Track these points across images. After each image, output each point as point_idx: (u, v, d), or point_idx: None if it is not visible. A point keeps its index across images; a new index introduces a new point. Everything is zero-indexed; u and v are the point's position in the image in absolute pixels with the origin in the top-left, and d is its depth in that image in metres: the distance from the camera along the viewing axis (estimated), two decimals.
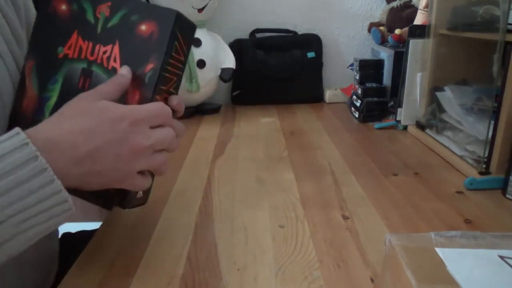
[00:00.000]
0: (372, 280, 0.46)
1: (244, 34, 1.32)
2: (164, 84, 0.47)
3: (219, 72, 1.17)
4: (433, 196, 0.66)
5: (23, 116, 0.49)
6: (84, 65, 0.47)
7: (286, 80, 1.27)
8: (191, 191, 0.69)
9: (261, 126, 1.07)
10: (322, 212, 0.61)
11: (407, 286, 0.32)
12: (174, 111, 0.48)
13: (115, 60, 0.46)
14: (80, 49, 0.47)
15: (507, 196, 0.65)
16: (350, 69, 1.25)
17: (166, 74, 0.46)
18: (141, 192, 0.50)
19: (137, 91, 0.46)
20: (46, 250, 0.58)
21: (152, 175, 0.48)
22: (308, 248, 0.52)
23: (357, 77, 1.14)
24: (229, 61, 1.19)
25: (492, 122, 0.68)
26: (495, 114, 0.67)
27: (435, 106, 0.91)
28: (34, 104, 0.49)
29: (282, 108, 1.23)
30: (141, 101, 0.45)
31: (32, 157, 0.34)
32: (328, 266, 0.48)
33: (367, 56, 1.30)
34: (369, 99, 1.09)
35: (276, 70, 1.25)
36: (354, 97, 1.15)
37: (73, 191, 0.40)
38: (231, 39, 1.29)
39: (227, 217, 0.60)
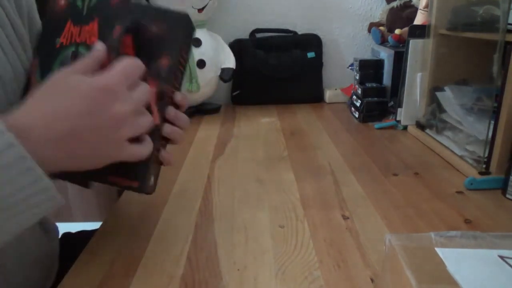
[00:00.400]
0: (372, 280, 0.46)
1: (244, 34, 1.32)
2: (175, 78, 0.49)
3: (219, 72, 1.17)
4: (433, 196, 0.66)
5: None
6: (73, 49, 0.48)
7: (286, 80, 1.27)
8: (191, 191, 0.69)
9: (261, 126, 1.07)
10: (322, 212, 0.61)
11: (407, 286, 0.32)
12: (178, 106, 0.50)
13: (95, 36, 0.48)
14: (71, 34, 0.48)
15: (507, 196, 0.65)
16: (350, 69, 1.25)
17: (177, 70, 0.49)
18: (152, 180, 0.50)
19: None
20: (46, 250, 0.58)
21: (159, 164, 0.49)
22: (308, 248, 0.52)
23: (357, 77, 1.14)
24: (229, 61, 1.19)
25: (492, 122, 0.68)
26: (495, 114, 0.67)
27: (435, 106, 0.91)
28: None
29: (282, 108, 1.23)
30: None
31: (9, 145, 0.33)
32: (328, 266, 0.48)
33: (367, 56, 1.30)
34: (369, 99, 1.09)
35: (276, 70, 1.25)
36: (354, 97, 1.15)
37: (73, 175, 0.40)
38: (231, 39, 1.29)
39: (227, 217, 0.60)
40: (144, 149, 0.43)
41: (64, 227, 0.75)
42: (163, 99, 0.49)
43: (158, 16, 0.48)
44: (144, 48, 0.48)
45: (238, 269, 0.48)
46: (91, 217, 1.61)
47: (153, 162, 0.50)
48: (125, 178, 0.49)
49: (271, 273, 0.47)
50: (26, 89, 0.50)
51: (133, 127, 0.41)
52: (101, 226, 0.59)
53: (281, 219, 0.59)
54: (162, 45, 0.48)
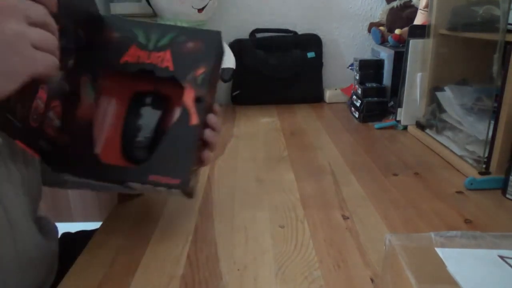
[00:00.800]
0: (372, 280, 0.46)
1: (244, 34, 1.32)
2: (210, 85, 0.56)
3: None
4: (433, 196, 0.66)
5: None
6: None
7: (286, 80, 1.27)
8: None
9: (261, 126, 1.07)
10: (322, 212, 0.61)
11: (407, 286, 0.32)
12: (214, 113, 0.58)
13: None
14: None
15: (507, 196, 0.65)
16: (350, 69, 1.25)
17: (211, 78, 0.55)
18: (192, 180, 0.55)
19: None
20: (45, 250, 0.58)
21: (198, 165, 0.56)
22: (308, 248, 0.52)
23: (357, 77, 1.14)
24: (229, 61, 1.19)
25: (492, 122, 0.68)
26: (495, 114, 0.67)
27: (435, 106, 0.91)
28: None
29: (282, 108, 1.23)
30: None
31: None
32: (328, 266, 0.48)
33: (367, 56, 1.30)
34: (369, 99, 1.09)
35: (276, 70, 1.25)
36: (354, 97, 1.15)
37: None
38: (231, 39, 1.29)
39: (227, 217, 0.60)
40: (48, 57, 0.42)
41: (63, 227, 0.75)
42: (201, 103, 0.54)
43: (193, 35, 0.57)
44: (181, 61, 0.56)
45: (238, 269, 0.48)
46: (91, 217, 1.61)
47: (194, 163, 0.54)
48: (166, 176, 0.51)
49: (271, 273, 0.47)
50: (72, 102, 0.54)
51: (37, 35, 0.40)
52: (101, 226, 0.59)
53: (281, 219, 0.59)
54: (198, 58, 0.56)
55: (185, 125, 0.54)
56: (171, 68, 0.55)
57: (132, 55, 0.56)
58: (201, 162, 0.56)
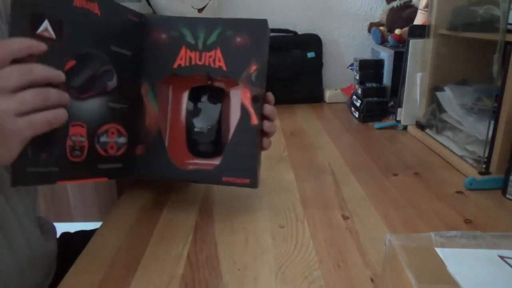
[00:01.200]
0: (372, 280, 0.46)
1: None
2: (263, 79, 0.57)
3: None
4: (433, 196, 0.66)
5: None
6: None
7: (286, 80, 1.27)
8: (191, 191, 0.69)
9: None
10: (322, 212, 0.61)
11: (407, 286, 0.32)
12: (269, 102, 0.59)
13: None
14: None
15: (507, 196, 0.65)
16: (350, 69, 1.25)
17: (264, 72, 0.57)
18: (259, 175, 0.58)
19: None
20: (43, 250, 0.58)
21: (259, 150, 0.58)
22: (308, 248, 0.52)
23: (357, 77, 1.14)
24: None
25: (492, 122, 0.68)
26: (495, 114, 0.67)
27: (435, 106, 0.91)
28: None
29: (282, 108, 1.23)
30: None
31: None
32: (328, 266, 0.48)
33: (367, 56, 1.30)
34: (369, 99, 1.09)
35: (276, 70, 1.25)
36: (354, 97, 1.15)
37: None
38: None
39: (227, 217, 0.60)
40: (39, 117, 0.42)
41: (63, 227, 0.75)
42: (259, 102, 0.57)
43: (240, 27, 0.56)
44: (232, 59, 0.57)
45: (238, 269, 0.48)
46: (91, 217, 1.61)
47: (259, 159, 0.59)
48: (238, 177, 0.57)
49: (271, 273, 0.47)
50: (139, 111, 0.58)
51: (18, 104, 0.40)
52: (101, 226, 0.59)
53: (281, 219, 0.59)
54: (249, 54, 0.56)
55: (248, 126, 0.57)
56: (224, 68, 0.57)
57: (184, 58, 0.58)
58: (262, 148, 0.59)
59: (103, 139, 0.52)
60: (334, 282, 0.46)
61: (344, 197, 0.66)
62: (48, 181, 0.46)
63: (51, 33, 0.44)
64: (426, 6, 1.02)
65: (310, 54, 1.30)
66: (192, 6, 1.12)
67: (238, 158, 0.58)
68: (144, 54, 0.58)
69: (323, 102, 1.32)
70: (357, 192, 0.68)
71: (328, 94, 1.31)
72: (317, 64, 1.32)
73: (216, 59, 0.57)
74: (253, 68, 0.57)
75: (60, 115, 0.43)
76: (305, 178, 0.73)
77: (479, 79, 0.83)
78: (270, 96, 0.59)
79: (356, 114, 1.11)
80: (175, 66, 0.58)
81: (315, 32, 1.33)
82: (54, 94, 0.43)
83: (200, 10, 1.14)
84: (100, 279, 0.47)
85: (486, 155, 0.70)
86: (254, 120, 0.57)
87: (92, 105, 0.51)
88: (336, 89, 1.32)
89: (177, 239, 0.54)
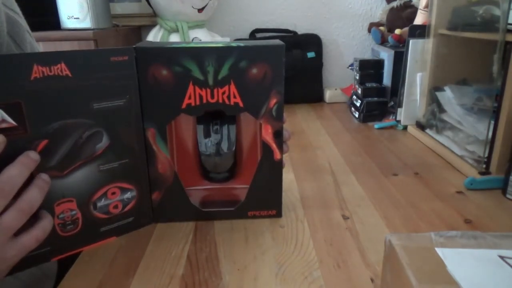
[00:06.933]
0: (372, 280, 0.46)
1: (244, 34, 1.32)
2: (283, 111, 0.54)
3: None
4: (433, 196, 0.66)
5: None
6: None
7: (286, 80, 1.26)
8: None
9: None
10: (322, 212, 0.61)
11: (407, 286, 0.32)
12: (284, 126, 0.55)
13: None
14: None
15: (507, 196, 0.65)
16: (350, 69, 1.25)
17: (283, 100, 0.53)
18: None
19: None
20: None
21: None
22: (308, 248, 0.52)
23: (357, 77, 1.15)
24: None
25: (492, 122, 0.68)
26: (495, 114, 0.67)
27: (435, 106, 0.91)
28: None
29: None
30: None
31: None
32: (328, 266, 0.48)
33: (367, 56, 1.30)
34: (369, 99, 1.09)
35: None
36: (354, 97, 1.15)
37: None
38: (231, 39, 1.29)
39: None
40: (36, 232, 0.41)
41: None
42: (281, 136, 0.54)
43: (255, 56, 0.50)
44: (250, 94, 0.51)
45: (238, 269, 0.48)
46: None
47: (282, 190, 0.58)
48: (264, 210, 0.58)
49: (271, 273, 0.47)
50: (150, 157, 0.53)
51: (14, 221, 0.39)
52: None
53: (281, 219, 0.59)
54: (268, 86, 0.51)
55: (272, 162, 0.56)
56: (241, 104, 0.52)
57: (193, 96, 0.51)
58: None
59: (101, 203, 0.48)
60: (334, 282, 0.46)
61: (344, 197, 0.66)
62: (42, 261, 0.45)
63: (10, 121, 0.39)
64: (426, 6, 1.02)
65: (310, 54, 1.30)
66: (192, 6, 1.12)
67: (263, 193, 0.57)
68: (145, 96, 0.50)
69: (323, 102, 1.32)
70: (357, 192, 0.68)
71: (328, 94, 1.31)
72: (317, 64, 1.32)
73: (231, 95, 0.51)
74: (273, 101, 0.52)
75: (47, 226, 0.42)
76: (305, 178, 0.73)
77: (479, 79, 0.83)
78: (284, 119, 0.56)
79: (356, 114, 1.11)
80: (184, 106, 0.51)
81: (315, 32, 1.33)
82: (36, 196, 0.40)
83: (200, 10, 1.14)
84: (100, 279, 0.47)
85: (486, 155, 0.70)
86: (277, 155, 0.55)
87: (80, 176, 0.45)
88: (336, 89, 1.32)
89: (177, 239, 0.54)
